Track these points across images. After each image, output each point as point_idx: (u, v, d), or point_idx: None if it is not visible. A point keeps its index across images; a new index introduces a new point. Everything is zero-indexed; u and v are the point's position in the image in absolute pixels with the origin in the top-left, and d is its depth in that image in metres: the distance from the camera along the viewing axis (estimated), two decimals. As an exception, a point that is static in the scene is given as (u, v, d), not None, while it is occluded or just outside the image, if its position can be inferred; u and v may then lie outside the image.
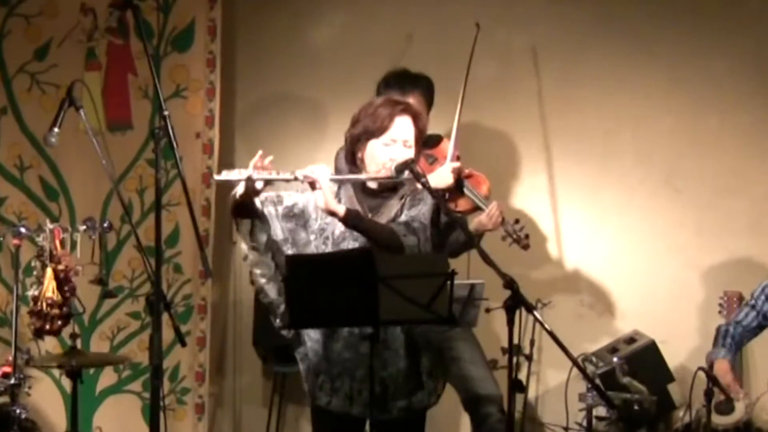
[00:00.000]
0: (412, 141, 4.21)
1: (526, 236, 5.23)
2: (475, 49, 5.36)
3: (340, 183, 4.20)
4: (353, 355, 4.10)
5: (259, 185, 4.01)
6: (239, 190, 4.07)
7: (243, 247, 4.18)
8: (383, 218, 4.20)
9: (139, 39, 5.69)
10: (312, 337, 4.19)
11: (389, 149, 4.17)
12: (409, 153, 4.19)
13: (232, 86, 6.18)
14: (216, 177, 4.15)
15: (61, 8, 5.90)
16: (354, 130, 4.24)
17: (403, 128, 4.19)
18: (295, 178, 4.07)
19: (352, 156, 4.26)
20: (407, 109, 4.24)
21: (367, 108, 4.25)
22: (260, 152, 4.05)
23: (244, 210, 4.11)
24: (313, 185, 4.07)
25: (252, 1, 6.23)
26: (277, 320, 4.19)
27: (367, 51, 6.06)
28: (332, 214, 4.06)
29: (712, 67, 5.84)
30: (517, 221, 5.24)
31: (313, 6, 6.20)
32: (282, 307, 4.14)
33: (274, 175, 4.04)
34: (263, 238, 4.14)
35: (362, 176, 4.19)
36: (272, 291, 4.17)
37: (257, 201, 4.10)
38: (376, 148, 4.18)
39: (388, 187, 4.22)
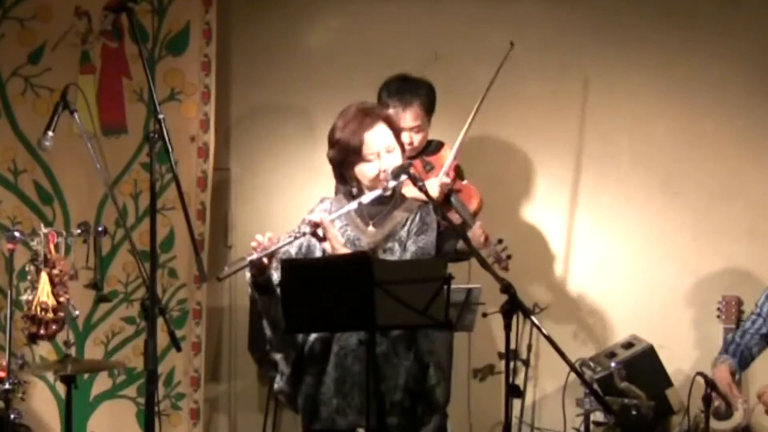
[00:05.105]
0: (393, 144, 4.18)
1: (508, 257, 5.15)
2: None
3: (345, 216, 4.18)
4: (361, 368, 4.07)
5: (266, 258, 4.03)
6: (248, 276, 4.09)
7: (267, 331, 4.21)
8: (385, 227, 4.18)
9: (134, 42, 5.66)
10: (316, 369, 4.17)
11: (376, 163, 4.15)
12: (396, 156, 4.17)
13: (227, 90, 6.16)
14: (220, 275, 4.15)
15: (55, 11, 5.88)
16: (332, 154, 4.23)
17: (378, 139, 4.17)
18: (295, 238, 4.06)
19: (341, 177, 4.25)
20: (375, 119, 4.20)
21: (337, 129, 4.22)
22: (257, 236, 4.03)
23: (264, 289, 4.11)
24: (315, 234, 4.06)
25: (247, 4, 6.21)
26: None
27: (363, 55, 6.04)
28: None
29: (709, 71, 5.83)
30: (500, 241, 5.17)
31: (308, 9, 6.18)
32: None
33: (273, 247, 4.02)
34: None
35: (354, 205, 4.15)
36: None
37: (274, 275, 4.10)
38: (363, 167, 4.17)
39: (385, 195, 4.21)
